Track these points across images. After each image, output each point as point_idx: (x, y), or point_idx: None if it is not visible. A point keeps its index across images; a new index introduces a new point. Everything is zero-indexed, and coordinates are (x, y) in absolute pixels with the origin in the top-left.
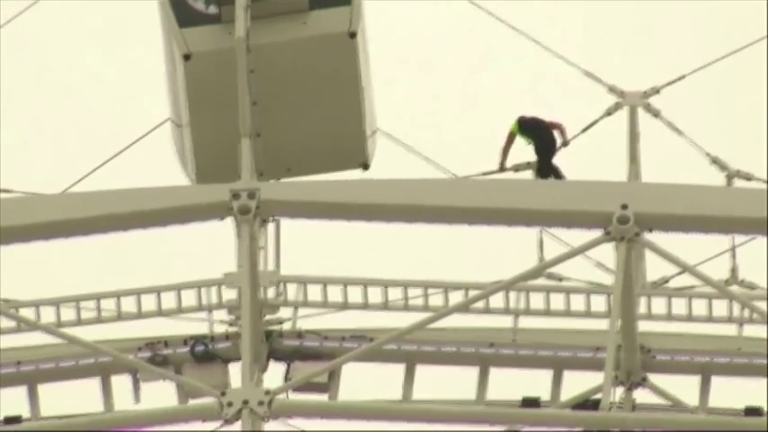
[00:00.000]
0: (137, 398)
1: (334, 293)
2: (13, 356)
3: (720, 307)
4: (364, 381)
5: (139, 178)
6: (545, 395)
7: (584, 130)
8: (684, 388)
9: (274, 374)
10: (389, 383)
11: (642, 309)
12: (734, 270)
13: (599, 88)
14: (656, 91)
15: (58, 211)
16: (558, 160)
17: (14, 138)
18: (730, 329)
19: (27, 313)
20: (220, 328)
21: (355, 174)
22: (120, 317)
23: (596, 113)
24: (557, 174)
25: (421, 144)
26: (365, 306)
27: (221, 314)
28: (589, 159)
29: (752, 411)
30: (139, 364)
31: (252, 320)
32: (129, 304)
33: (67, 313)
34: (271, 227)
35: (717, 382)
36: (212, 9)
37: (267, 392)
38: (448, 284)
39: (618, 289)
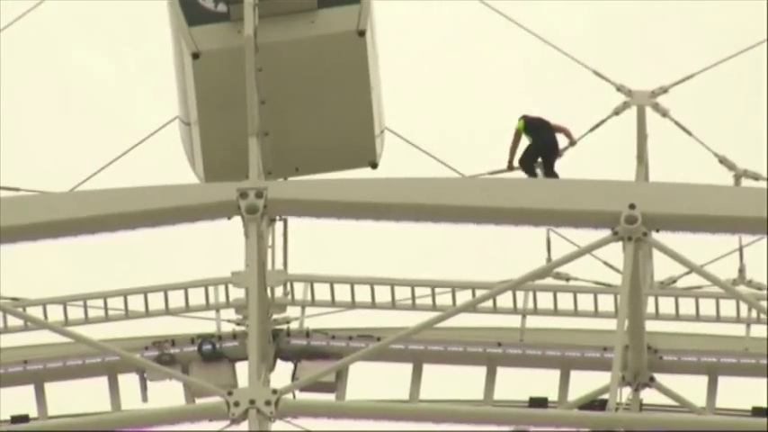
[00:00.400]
0: (144, 397)
1: (342, 293)
2: (20, 355)
3: (728, 307)
4: (371, 380)
5: (147, 177)
6: (552, 395)
7: (592, 129)
8: (691, 388)
9: (282, 374)
10: (397, 383)
11: (650, 309)
12: (741, 270)
13: (607, 87)
14: (665, 90)
15: (66, 209)
16: (566, 160)
17: (22, 136)
18: (738, 330)
19: (34, 312)
20: (228, 328)
21: (363, 173)
22: (127, 316)
23: (604, 113)
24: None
25: (429, 143)
26: (373, 305)
27: (229, 313)
28: (597, 159)
29: (759, 412)
30: (146, 364)
31: (259, 320)
32: (136, 303)
33: (75, 312)
34: (279, 226)
35: (724, 382)
36: (221, 7)
37: (274, 392)
38: (455, 284)
39: (625, 289)
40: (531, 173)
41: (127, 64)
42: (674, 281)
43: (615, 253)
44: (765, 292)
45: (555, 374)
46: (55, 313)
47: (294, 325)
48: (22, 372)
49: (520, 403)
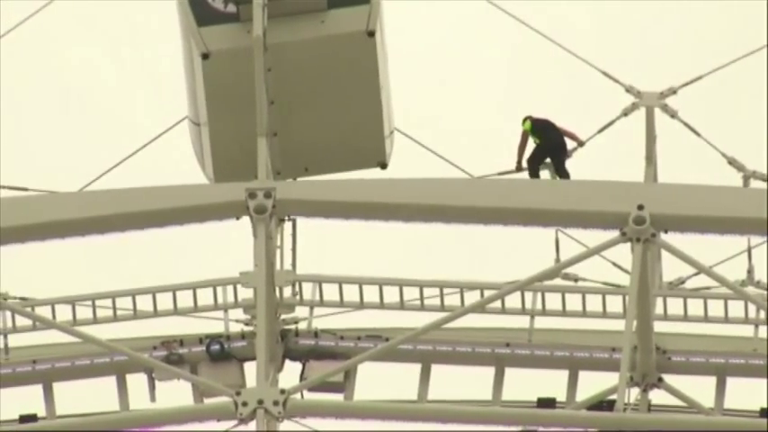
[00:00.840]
0: (152, 397)
1: (350, 293)
2: (28, 355)
3: (736, 308)
4: (380, 381)
5: (156, 177)
6: (561, 396)
7: (601, 130)
8: (700, 389)
9: (290, 374)
10: (405, 383)
11: (658, 310)
12: (750, 271)
13: (616, 88)
14: (674, 91)
15: (74, 209)
16: (575, 161)
17: (31, 136)
18: (746, 330)
19: (43, 312)
20: (236, 328)
21: (372, 173)
22: (135, 316)
23: (613, 114)
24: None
25: (437, 144)
26: (381, 306)
27: (237, 313)
28: (605, 160)
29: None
30: (155, 364)
31: (267, 320)
32: (144, 303)
33: (83, 312)
34: (287, 226)
35: (732, 383)
36: (231, 8)
37: (282, 392)
38: (464, 284)
39: (634, 290)
40: (536, 174)
41: (136, 64)
42: (683, 282)
43: (624, 254)
44: None
45: (563, 375)
46: (63, 313)
47: (302, 325)
48: (31, 371)
49: (528, 404)
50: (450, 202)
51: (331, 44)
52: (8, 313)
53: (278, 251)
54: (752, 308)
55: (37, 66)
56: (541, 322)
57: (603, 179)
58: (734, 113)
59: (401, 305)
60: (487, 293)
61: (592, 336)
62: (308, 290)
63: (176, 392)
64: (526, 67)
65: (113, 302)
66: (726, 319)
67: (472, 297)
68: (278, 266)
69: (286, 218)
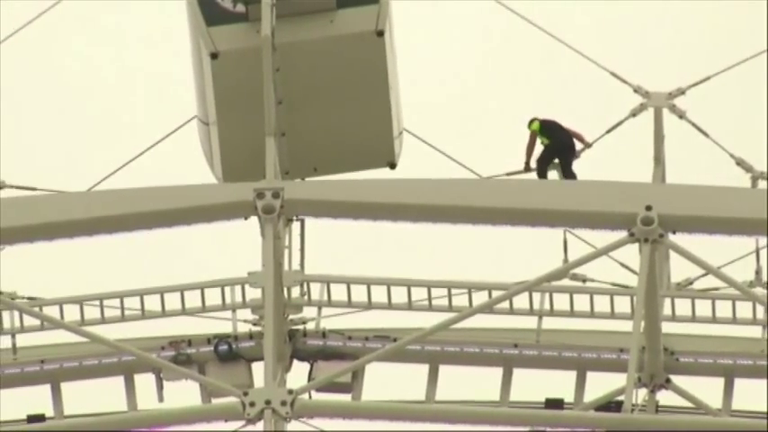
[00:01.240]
0: (160, 397)
1: (359, 293)
2: (36, 355)
3: (744, 309)
4: (388, 381)
5: (164, 177)
6: (568, 396)
7: (609, 130)
8: (708, 390)
9: (298, 374)
10: (413, 384)
11: (666, 310)
12: (758, 272)
13: (624, 89)
14: (682, 92)
15: (83, 209)
16: (583, 162)
17: (39, 136)
18: (754, 332)
19: (51, 312)
20: (244, 328)
21: (381, 173)
22: (143, 315)
23: (621, 114)
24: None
25: (446, 144)
26: (389, 306)
27: (245, 313)
28: (613, 160)
29: None
30: (163, 364)
31: (275, 320)
32: (152, 303)
33: (91, 312)
34: (296, 226)
35: (740, 384)
36: (240, 7)
37: (290, 392)
38: (472, 285)
39: (641, 290)
40: (544, 174)
41: (144, 64)
42: (691, 282)
43: (632, 254)
44: None
45: (571, 376)
46: (71, 313)
47: (310, 325)
48: (39, 371)
49: (536, 404)
50: (458, 202)
51: (340, 44)
52: (16, 313)
53: (286, 251)
54: (760, 309)
55: (44, 65)
56: (549, 323)
57: (612, 180)
58: (742, 114)
59: (409, 305)
60: (495, 294)
61: (600, 336)
62: (316, 290)
63: (184, 392)
64: (534, 68)
65: (121, 302)
66: (734, 320)
67: (480, 297)
68: (286, 267)
69: (294, 218)
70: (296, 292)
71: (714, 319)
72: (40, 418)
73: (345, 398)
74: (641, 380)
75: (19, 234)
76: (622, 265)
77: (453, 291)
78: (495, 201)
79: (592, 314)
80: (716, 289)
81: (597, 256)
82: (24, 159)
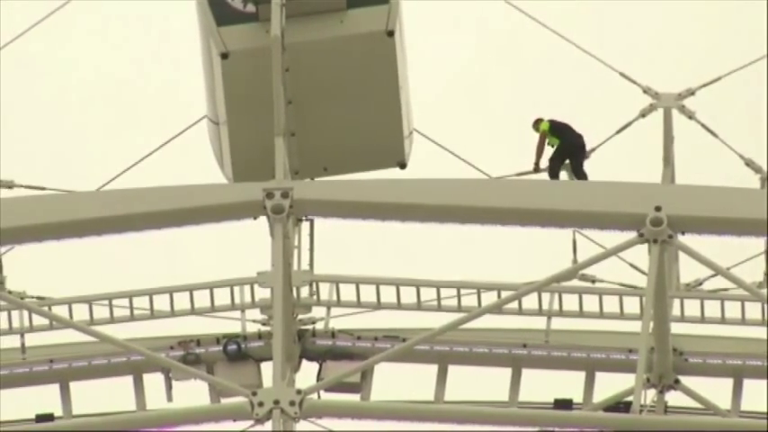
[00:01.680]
0: (169, 397)
1: (368, 293)
2: (45, 354)
3: (753, 310)
4: (396, 381)
5: (173, 176)
6: (577, 397)
7: (619, 131)
8: (717, 391)
9: (307, 374)
10: (422, 384)
11: (675, 311)
12: (767, 273)
13: (634, 89)
14: (691, 93)
15: (92, 209)
16: (592, 162)
17: (48, 136)
18: (763, 332)
19: (60, 311)
20: (253, 328)
21: (390, 173)
22: (152, 315)
23: (630, 115)
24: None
25: (455, 144)
26: (398, 306)
27: (254, 313)
28: (623, 161)
29: None
30: (172, 363)
31: (284, 320)
32: (161, 303)
33: (100, 311)
34: (305, 226)
35: (749, 385)
36: (250, 7)
37: (298, 392)
38: (481, 285)
39: (650, 291)
40: (556, 174)
41: (153, 63)
42: (700, 283)
43: (641, 255)
44: None
45: (580, 376)
46: (80, 312)
47: (319, 325)
48: (48, 371)
49: (545, 405)
50: (467, 202)
51: (350, 44)
52: (25, 312)
53: (295, 251)
54: None
55: (54, 65)
56: (558, 323)
57: (621, 180)
58: (752, 115)
59: (418, 306)
60: (504, 294)
61: (609, 337)
62: (325, 290)
63: (193, 392)
64: (543, 68)
65: (130, 302)
66: (743, 321)
67: (489, 298)
68: (295, 266)
69: (303, 218)
70: (305, 291)
71: (723, 320)
72: (48, 417)
73: (354, 398)
74: (650, 380)
75: (28, 233)
76: (632, 265)
77: (462, 291)
78: (505, 201)
79: (601, 315)
80: (725, 290)
81: (606, 257)
82: (34, 159)
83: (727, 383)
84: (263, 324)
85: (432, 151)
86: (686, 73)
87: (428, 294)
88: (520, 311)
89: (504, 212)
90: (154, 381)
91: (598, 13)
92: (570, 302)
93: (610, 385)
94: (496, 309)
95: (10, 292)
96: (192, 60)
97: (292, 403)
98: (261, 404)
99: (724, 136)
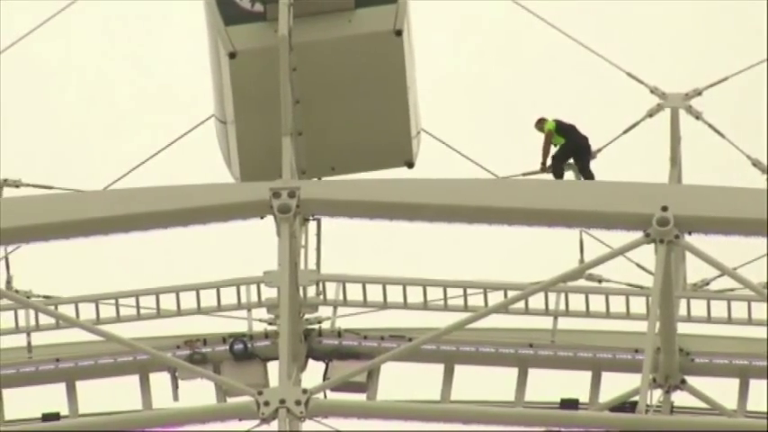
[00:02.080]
0: (175, 396)
1: (374, 293)
2: (51, 353)
3: (760, 310)
4: (403, 381)
5: (180, 176)
6: (583, 397)
7: (626, 131)
8: (723, 391)
9: (313, 374)
10: (428, 384)
11: (681, 311)
12: None
13: (641, 89)
14: (698, 93)
15: (99, 208)
16: (599, 162)
17: (55, 135)
18: None
19: (66, 310)
20: (259, 327)
21: (397, 173)
22: (159, 314)
23: (638, 115)
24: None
25: (463, 144)
26: (404, 306)
27: (261, 313)
28: (629, 161)
29: None
30: (178, 363)
31: (290, 319)
32: (168, 302)
33: (106, 310)
34: (312, 225)
35: (755, 385)
36: (258, 7)
37: (304, 392)
38: (487, 285)
39: (657, 291)
40: (560, 172)
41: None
42: (707, 283)
43: (647, 255)
44: None
45: (586, 376)
46: (87, 312)
47: (326, 325)
48: (54, 370)
49: (551, 404)
50: (474, 202)
51: (358, 43)
52: (31, 311)
53: (302, 251)
54: None
55: (61, 65)
56: (565, 323)
57: (628, 180)
58: (759, 115)
59: (424, 305)
60: (511, 294)
61: (615, 337)
62: (331, 289)
63: (199, 392)
64: (550, 68)
65: (137, 301)
66: (749, 321)
67: (496, 297)
68: (302, 266)
69: (310, 217)
70: (311, 291)
71: (729, 320)
72: (54, 416)
73: (360, 397)
74: (656, 380)
75: (35, 232)
76: (638, 265)
77: (469, 291)
78: (512, 201)
79: (607, 314)
80: (731, 290)
81: (613, 257)
82: (41, 158)
83: (733, 384)
84: (270, 323)
85: (439, 151)
86: (693, 73)
87: (435, 294)
88: (526, 311)
89: (511, 212)
90: (160, 380)
91: (604, 12)
92: (577, 302)
93: (616, 385)
94: (503, 308)
95: (17, 291)
96: (190, 61)
97: (298, 403)
98: (267, 403)
99: (731, 136)
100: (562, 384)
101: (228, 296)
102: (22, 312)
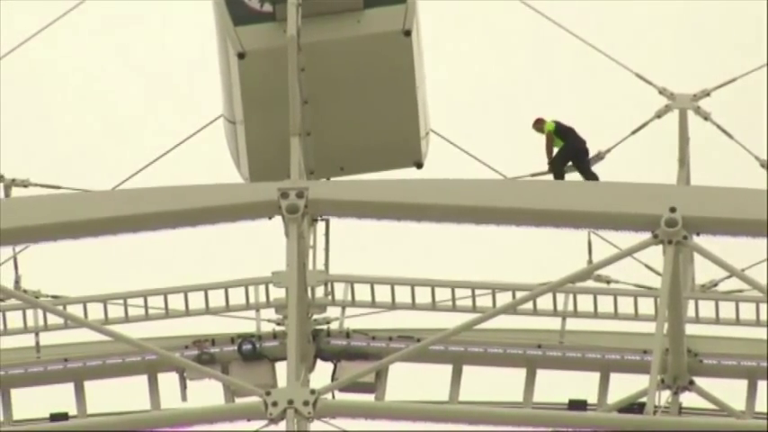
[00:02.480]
0: (183, 396)
1: (382, 293)
2: (60, 353)
3: None
4: (411, 381)
5: (189, 176)
6: (592, 397)
7: (634, 132)
8: (731, 392)
9: (322, 374)
10: (436, 384)
11: (690, 312)
12: None
13: (649, 90)
14: (707, 94)
15: (107, 208)
16: (607, 163)
17: (64, 135)
18: None
19: (75, 310)
20: (268, 327)
21: (405, 173)
22: (167, 315)
23: (646, 115)
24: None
25: (471, 144)
26: (413, 306)
27: (269, 313)
28: (638, 161)
29: None
30: (186, 363)
31: (299, 320)
32: (176, 302)
33: (115, 310)
34: (320, 226)
35: (764, 386)
36: (267, 7)
37: (312, 392)
38: (495, 285)
39: (665, 292)
40: (559, 173)
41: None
42: (715, 284)
43: (656, 256)
44: None
45: (594, 377)
46: (95, 312)
47: (334, 325)
48: (62, 370)
49: (559, 405)
50: (483, 203)
51: (367, 44)
52: (40, 311)
53: (310, 251)
54: None
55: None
56: (573, 324)
57: (636, 181)
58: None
59: (433, 306)
60: (519, 295)
61: (623, 338)
62: (339, 290)
63: (207, 392)
64: (559, 69)
65: (145, 301)
66: (757, 323)
67: (504, 298)
68: (310, 266)
69: (319, 217)
70: (320, 291)
71: (738, 321)
72: (63, 416)
73: (368, 398)
74: (664, 381)
75: (43, 232)
76: (646, 266)
77: (477, 291)
78: (520, 201)
79: (615, 315)
80: (740, 291)
81: (621, 258)
82: (49, 158)
83: (741, 385)
84: (278, 324)
85: (448, 151)
86: (702, 74)
87: (443, 295)
88: (535, 312)
89: (520, 213)
90: (168, 380)
91: (612, 12)
92: (585, 303)
93: (624, 386)
94: (511, 309)
95: (25, 291)
96: (196, 61)
97: (306, 403)
98: (275, 404)
99: (739, 137)
100: (570, 385)
101: (237, 296)
102: (30, 312)
